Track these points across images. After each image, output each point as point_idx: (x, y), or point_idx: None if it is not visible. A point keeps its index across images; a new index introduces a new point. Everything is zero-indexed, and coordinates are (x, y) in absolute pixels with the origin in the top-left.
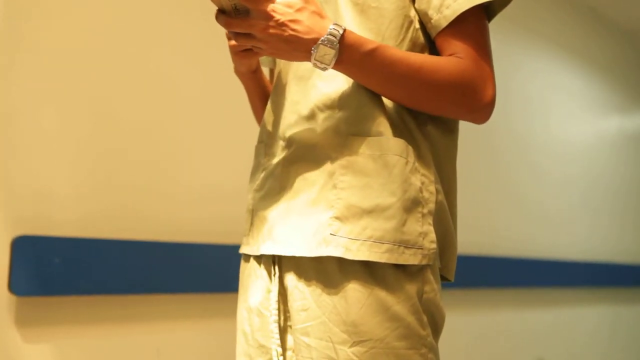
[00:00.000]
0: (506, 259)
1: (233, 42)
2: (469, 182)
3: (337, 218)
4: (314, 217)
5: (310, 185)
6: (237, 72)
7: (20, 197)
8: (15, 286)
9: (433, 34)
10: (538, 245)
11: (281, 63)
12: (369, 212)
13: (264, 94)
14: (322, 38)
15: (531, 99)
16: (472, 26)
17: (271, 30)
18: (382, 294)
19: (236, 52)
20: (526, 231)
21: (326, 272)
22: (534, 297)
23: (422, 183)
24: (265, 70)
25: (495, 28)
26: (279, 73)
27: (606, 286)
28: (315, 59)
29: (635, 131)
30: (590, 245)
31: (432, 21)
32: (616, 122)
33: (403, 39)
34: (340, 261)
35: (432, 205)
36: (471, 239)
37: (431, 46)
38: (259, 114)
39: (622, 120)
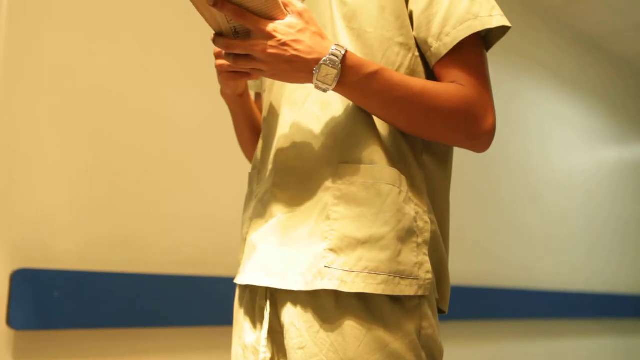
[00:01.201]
0: (505, 290)
1: (220, 62)
2: (467, 211)
3: (331, 250)
4: (308, 250)
5: (303, 216)
6: (223, 94)
7: (19, 230)
8: (14, 320)
9: (432, 62)
10: (537, 275)
11: (273, 88)
12: (363, 242)
13: (250, 118)
14: (324, 58)
15: (530, 127)
16: (471, 54)
17: (273, 50)
18: (380, 330)
19: (223, 73)
20: (526, 261)
21: (323, 308)
22: (534, 329)
23: (416, 213)
24: (253, 94)
25: (494, 57)
26: (271, 97)
27: (606, 317)
28: (317, 80)
29: (635, 161)
30: (590, 275)
31: (432, 49)
32: (616, 152)
33: (400, 66)
34: (336, 296)
35: (427, 235)
36: (470, 270)
37: (429, 74)
38: (244, 139)
39: (621, 151)
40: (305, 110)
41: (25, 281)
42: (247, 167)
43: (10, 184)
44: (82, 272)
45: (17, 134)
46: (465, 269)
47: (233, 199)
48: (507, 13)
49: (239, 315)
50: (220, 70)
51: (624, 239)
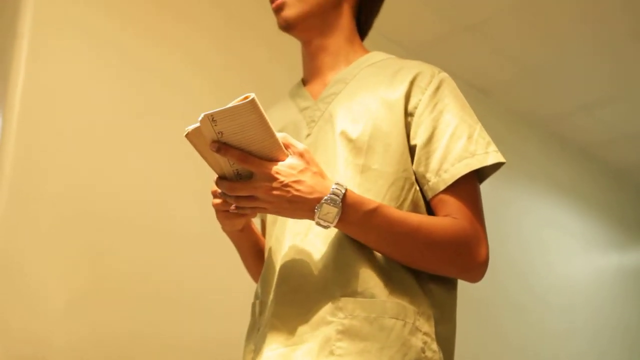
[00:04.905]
0: None
1: (217, 201)
2: (470, 323)
3: None
4: None
5: (305, 349)
6: (223, 230)
7: (16, 345)
8: None
9: (429, 195)
10: None
11: (277, 218)
12: None
13: (253, 249)
14: (325, 197)
15: (526, 235)
16: (467, 188)
17: (276, 192)
18: None
19: (220, 212)
20: None
21: None
22: None
23: (424, 342)
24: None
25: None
26: (275, 228)
27: None
28: (318, 217)
29: (635, 269)
30: None
31: (430, 183)
32: (615, 260)
33: (404, 200)
34: None
35: None
36: None
37: (428, 206)
38: (251, 269)
39: (620, 258)
40: (308, 242)
41: None
42: (246, 280)
43: (6, 301)
44: None
45: (18, 250)
46: None
47: (236, 321)
48: (501, 124)
49: None
50: (217, 209)
51: (624, 345)
